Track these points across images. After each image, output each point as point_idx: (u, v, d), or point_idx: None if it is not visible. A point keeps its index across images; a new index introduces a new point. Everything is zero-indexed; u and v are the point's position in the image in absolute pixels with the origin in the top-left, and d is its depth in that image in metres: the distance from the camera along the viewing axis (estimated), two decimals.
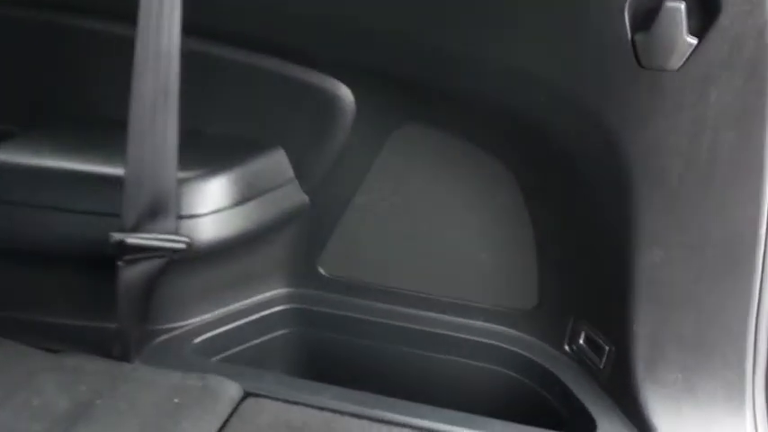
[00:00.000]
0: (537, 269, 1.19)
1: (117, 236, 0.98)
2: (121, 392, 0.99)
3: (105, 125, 1.16)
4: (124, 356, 1.07)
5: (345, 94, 1.18)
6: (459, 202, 1.21)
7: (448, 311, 1.26)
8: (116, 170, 1.03)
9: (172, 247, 1.03)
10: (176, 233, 1.03)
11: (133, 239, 0.99)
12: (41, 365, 1.04)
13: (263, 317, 1.28)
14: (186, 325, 1.19)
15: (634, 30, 0.91)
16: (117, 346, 1.07)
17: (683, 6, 0.89)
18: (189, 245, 1.04)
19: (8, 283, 1.16)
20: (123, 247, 0.99)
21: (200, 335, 1.18)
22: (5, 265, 1.14)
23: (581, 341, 1.13)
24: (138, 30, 0.96)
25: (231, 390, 1.02)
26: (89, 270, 1.07)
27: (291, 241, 1.29)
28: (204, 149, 1.17)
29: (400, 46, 1.10)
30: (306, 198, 1.25)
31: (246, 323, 1.25)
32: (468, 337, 1.23)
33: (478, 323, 1.24)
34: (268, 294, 1.30)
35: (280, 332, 1.30)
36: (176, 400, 0.99)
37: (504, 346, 1.21)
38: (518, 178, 1.16)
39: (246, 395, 1.03)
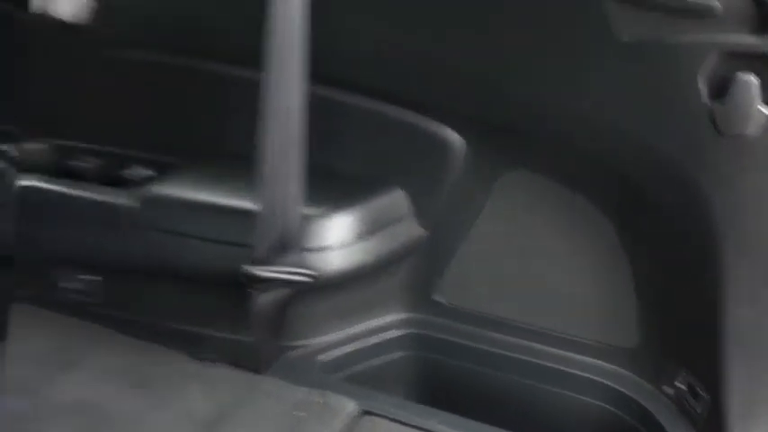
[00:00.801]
0: (638, 310, 1.23)
1: (248, 269, 1.14)
2: (250, 403, 1.16)
3: (243, 161, 1.33)
4: (256, 369, 1.24)
5: (456, 139, 1.28)
6: (564, 242, 1.27)
7: (554, 344, 1.32)
8: (250, 205, 1.18)
9: (297, 279, 1.17)
10: (303, 265, 1.18)
11: (262, 272, 1.14)
12: (187, 372, 1.23)
13: (382, 340, 1.40)
14: (312, 344, 1.34)
15: (711, 98, 0.94)
16: (250, 359, 1.24)
17: (755, 79, 0.91)
18: (314, 278, 1.19)
19: (162, 296, 1.36)
20: (254, 279, 1.15)
21: (324, 353, 1.33)
22: (160, 281, 1.34)
23: (680, 385, 1.16)
24: (267, 77, 1.09)
25: (349, 407, 1.14)
26: (228, 289, 1.24)
27: (410, 271, 1.40)
28: (329, 187, 1.31)
29: (502, 96, 1.19)
30: (423, 232, 1.35)
31: (367, 345, 1.38)
32: (571, 370, 1.29)
33: (582, 358, 1.29)
34: (388, 319, 1.42)
35: (397, 355, 1.41)
36: (299, 414, 1.13)
37: (605, 381, 1.25)
38: (615, 224, 1.20)
39: (363, 413, 1.15)
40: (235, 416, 1.12)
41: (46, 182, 1.43)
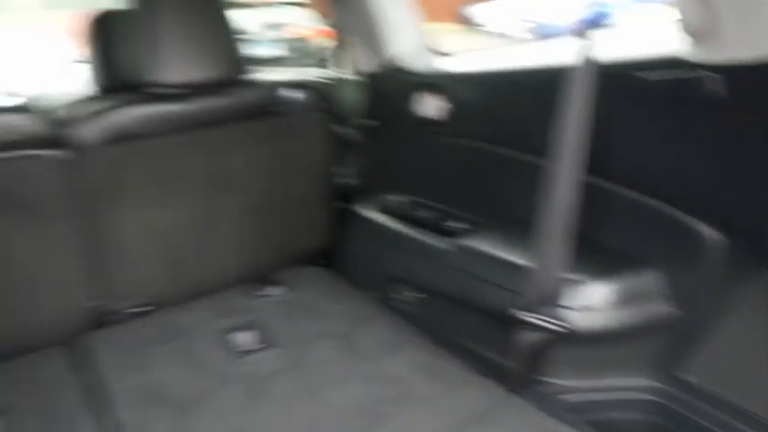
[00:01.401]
0: None
1: (515, 311, 1.52)
2: (500, 414, 1.52)
3: (526, 226, 1.61)
4: (511, 388, 1.59)
5: (712, 233, 1.47)
6: None
7: None
8: (526, 261, 1.54)
9: (554, 329, 1.51)
10: (559, 318, 1.51)
11: (525, 316, 1.51)
12: (458, 377, 1.66)
13: (624, 398, 1.62)
14: (559, 383, 1.64)
15: None
16: (508, 379, 1.60)
17: None
18: (566, 329, 1.51)
19: (457, 316, 1.82)
20: (518, 320, 1.52)
21: (568, 394, 1.62)
22: (458, 306, 1.80)
23: None
24: (552, 165, 1.44)
25: None
26: (501, 323, 1.60)
27: (659, 343, 1.59)
28: (592, 258, 1.59)
29: (754, 203, 1.37)
30: (673, 312, 1.55)
31: (609, 398, 1.62)
32: None
33: None
34: (633, 381, 1.62)
35: (637, 416, 1.61)
36: None
37: None
38: None
39: None
40: (484, 420, 1.50)
41: (400, 223, 2.05)
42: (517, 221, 1.69)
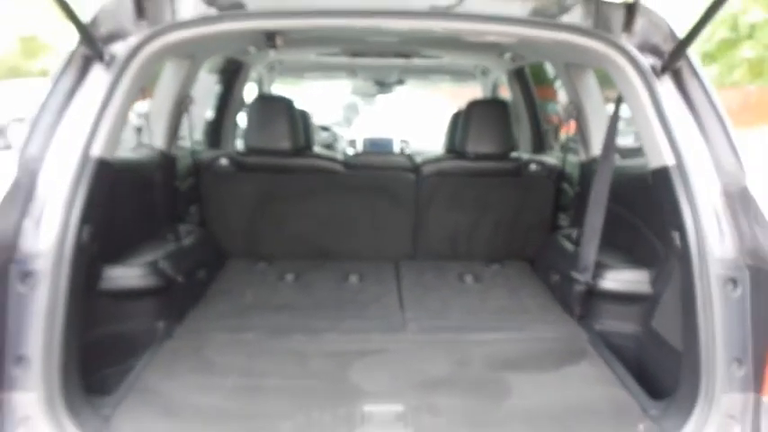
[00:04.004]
0: None
1: (576, 275, 3.17)
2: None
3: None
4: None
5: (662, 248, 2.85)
6: None
7: None
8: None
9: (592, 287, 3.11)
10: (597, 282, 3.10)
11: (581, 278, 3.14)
12: None
13: (622, 333, 2.98)
14: (591, 322, 3.15)
15: None
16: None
17: None
18: (600, 289, 3.08)
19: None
20: (578, 280, 3.17)
21: (597, 326, 3.14)
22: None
23: None
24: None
25: None
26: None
27: (643, 306, 2.91)
28: (613, 255, 3.12)
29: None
30: (650, 290, 2.89)
31: (613, 331, 3.01)
32: None
33: None
34: (627, 325, 2.99)
35: (627, 344, 2.94)
36: None
37: None
38: None
39: None
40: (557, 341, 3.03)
41: None
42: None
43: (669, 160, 2.30)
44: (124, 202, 2.92)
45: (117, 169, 2.40)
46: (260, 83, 5.71)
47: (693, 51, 2.32)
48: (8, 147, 13.83)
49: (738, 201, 2.19)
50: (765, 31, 21.71)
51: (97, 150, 2.23)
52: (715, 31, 21.38)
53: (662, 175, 2.34)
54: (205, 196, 3.96)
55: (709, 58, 21.61)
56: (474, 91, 6.10)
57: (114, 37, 2.30)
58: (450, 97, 8.73)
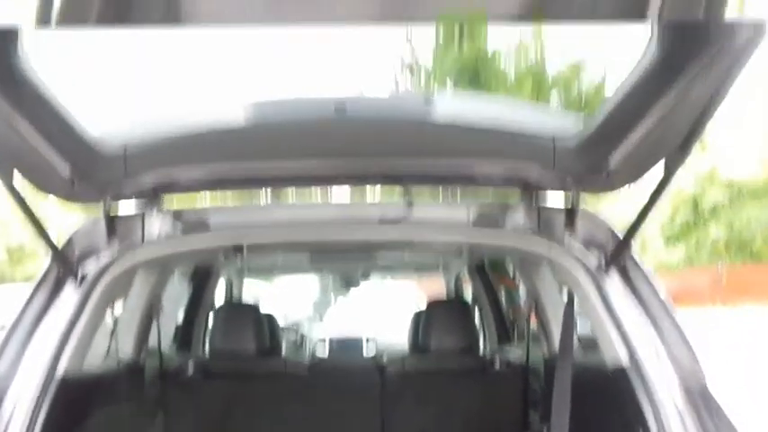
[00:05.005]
0: None
1: None
2: None
3: None
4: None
5: None
6: None
7: None
8: None
9: None
10: None
11: None
12: None
13: None
14: None
15: None
16: None
17: None
18: None
19: None
20: None
21: None
22: None
23: None
24: None
25: None
26: None
27: None
28: None
29: None
30: None
31: None
32: None
33: None
34: None
35: None
36: None
37: None
38: None
39: None
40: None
41: None
42: None
43: (625, 359, 2.24)
44: (89, 419, 2.83)
45: (83, 384, 2.38)
46: (229, 284, 5.84)
47: (636, 244, 2.35)
48: None
49: (700, 398, 2.10)
50: (727, 212, 22.68)
51: (61, 370, 2.21)
52: (675, 215, 22.24)
53: (619, 374, 2.26)
54: (172, 407, 3.88)
55: (673, 239, 22.33)
56: (442, 279, 6.11)
57: (86, 255, 2.38)
58: (420, 284, 8.80)
